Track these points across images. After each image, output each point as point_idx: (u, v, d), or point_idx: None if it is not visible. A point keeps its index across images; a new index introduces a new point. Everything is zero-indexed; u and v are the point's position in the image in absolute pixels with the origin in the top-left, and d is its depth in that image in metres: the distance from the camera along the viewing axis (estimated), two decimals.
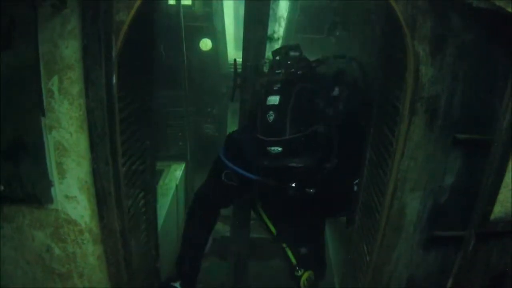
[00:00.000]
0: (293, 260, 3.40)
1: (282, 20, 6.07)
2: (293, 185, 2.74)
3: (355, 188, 3.00)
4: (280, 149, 2.48)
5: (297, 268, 3.40)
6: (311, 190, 2.82)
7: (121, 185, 2.35)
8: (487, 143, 2.10)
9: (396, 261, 2.50)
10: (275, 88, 2.58)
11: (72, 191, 2.32)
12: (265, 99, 2.59)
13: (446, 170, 2.27)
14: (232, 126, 6.22)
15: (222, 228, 5.35)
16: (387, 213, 2.36)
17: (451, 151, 2.22)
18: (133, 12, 2.03)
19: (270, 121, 2.51)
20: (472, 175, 2.26)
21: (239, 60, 3.36)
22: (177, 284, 3.03)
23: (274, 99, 2.55)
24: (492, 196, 2.14)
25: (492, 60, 2.06)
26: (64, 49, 2.05)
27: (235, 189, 3.06)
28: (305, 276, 3.38)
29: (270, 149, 2.51)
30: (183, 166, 5.91)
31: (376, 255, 2.50)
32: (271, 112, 2.52)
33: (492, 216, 2.22)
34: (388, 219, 2.37)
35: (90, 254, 2.48)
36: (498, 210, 2.21)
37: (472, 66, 2.07)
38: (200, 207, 3.30)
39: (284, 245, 3.43)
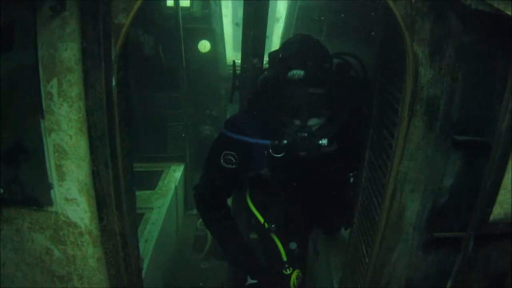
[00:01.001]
0: (284, 256, 3.35)
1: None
2: (305, 134, 2.75)
3: (351, 180, 3.04)
4: (302, 72, 2.61)
5: (286, 266, 3.34)
6: (323, 142, 2.79)
7: (120, 187, 2.35)
8: (486, 144, 2.11)
9: (395, 263, 2.50)
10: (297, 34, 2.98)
11: (72, 193, 2.32)
12: (290, 39, 3.00)
13: (446, 172, 2.27)
14: None
15: None
16: (387, 215, 2.36)
17: (450, 152, 2.22)
18: (132, 14, 2.03)
19: (297, 47, 2.79)
20: (471, 177, 2.26)
21: (238, 61, 3.36)
22: (252, 281, 3.26)
23: (300, 38, 2.90)
24: (492, 197, 2.15)
25: (491, 61, 2.06)
26: (63, 52, 2.05)
27: (234, 174, 3.08)
28: (294, 275, 3.33)
29: (293, 73, 2.63)
30: (182, 167, 5.93)
31: (375, 257, 2.50)
32: (296, 44, 2.82)
33: (492, 218, 2.22)
34: (388, 221, 2.38)
35: (90, 256, 2.48)
36: (497, 212, 2.21)
37: (472, 68, 2.07)
38: (207, 209, 3.42)
39: (275, 238, 3.38)
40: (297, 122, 2.75)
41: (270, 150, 2.89)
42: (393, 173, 2.27)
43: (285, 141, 2.77)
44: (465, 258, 2.31)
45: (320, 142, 2.77)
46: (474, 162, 2.24)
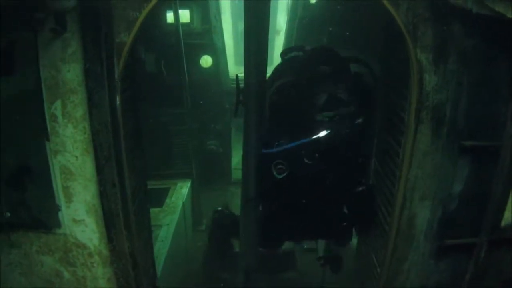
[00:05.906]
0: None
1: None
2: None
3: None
4: (328, 68, 2.69)
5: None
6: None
7: (129, 206, 2.34)
8: (495, 149, 2.09)
9: (407, 271, 2.48)
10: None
11: (80, 214, 2.31)
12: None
13: (455, 178, 2.26)
14: (236, 141, 6.23)
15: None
16: (397, 224, 2.35)
17: (458, 158, 2.21)
18: (134, 32, 2.03)
19: (321, 50, 2.97)
20: (480, 182, 2.25)
21: (241, 75, 3.34)
22: None
23: (321, 45, 3.24)
24: (502, 202, 2.13)
25: (495, 65, 2.05)
26: (66, 73, 2.04)
27: (287, 182, 3.02)
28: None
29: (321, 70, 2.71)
30: (189, 183, 5.91)
31: (387, 266, 2.48)
32: (319, 48, 3.01)
33: (503, 223, 2.20)
34: (399, 230, 2.36)
35: (100, 277, 2.46)
36: (508, 216, 2.19)
37: (476, 72, 2.06)
38: None
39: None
40: (320, 117, 2.75)
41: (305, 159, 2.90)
42: (402, 182, 2.25)
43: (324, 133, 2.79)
44: (478, 263, 2.29)
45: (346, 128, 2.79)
46: (483, 166, 2.23)
